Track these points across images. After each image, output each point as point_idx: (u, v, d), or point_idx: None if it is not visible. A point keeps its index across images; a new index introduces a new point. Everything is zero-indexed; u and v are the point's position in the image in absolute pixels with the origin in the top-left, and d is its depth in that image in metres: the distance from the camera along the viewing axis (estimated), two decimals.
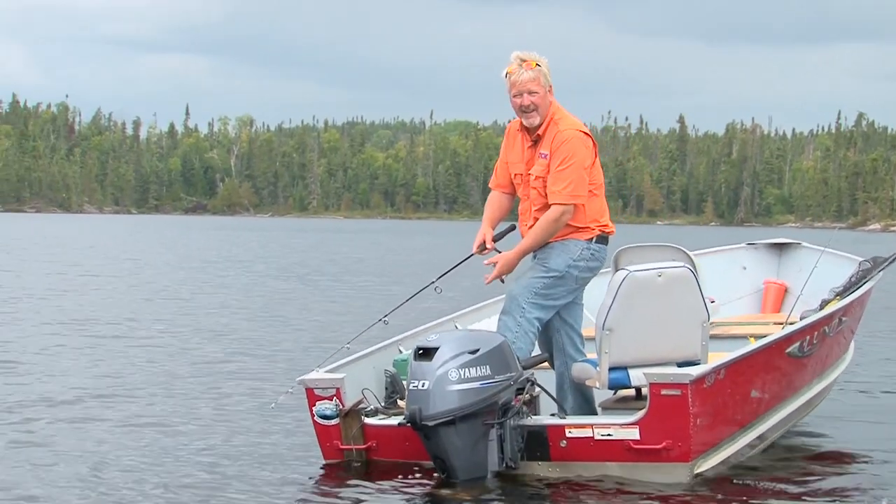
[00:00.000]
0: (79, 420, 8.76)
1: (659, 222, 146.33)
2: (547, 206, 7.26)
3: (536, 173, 7.31)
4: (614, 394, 7.42)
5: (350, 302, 19.82)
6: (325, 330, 15.03)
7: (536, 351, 7.43)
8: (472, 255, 7.56)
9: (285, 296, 21.14)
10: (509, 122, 7.62)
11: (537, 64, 7.27)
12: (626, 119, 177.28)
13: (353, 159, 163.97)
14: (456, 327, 8.25)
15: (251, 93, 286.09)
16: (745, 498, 6.65)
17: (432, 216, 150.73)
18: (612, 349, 7.01)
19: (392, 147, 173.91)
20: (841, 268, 9.02)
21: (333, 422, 7.04)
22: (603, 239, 7.39)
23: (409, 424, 6.58)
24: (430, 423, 6.52)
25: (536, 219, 7.31)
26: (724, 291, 9.48)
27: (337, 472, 6.99)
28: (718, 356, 7.09)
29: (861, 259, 8.94)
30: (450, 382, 6.54)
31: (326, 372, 7.14)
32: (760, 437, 7.47)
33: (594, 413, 7.41)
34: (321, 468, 7.11)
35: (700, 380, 6.69)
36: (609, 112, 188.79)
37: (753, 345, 7.25)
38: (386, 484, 6.73)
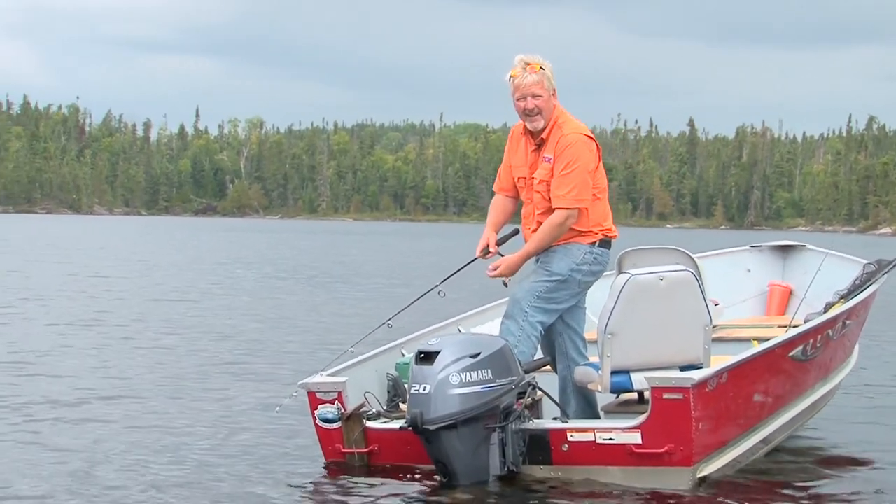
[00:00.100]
0: (83, 420, 8.78)
1: (668, 226, 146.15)
2: (550, 210, 7.26)
3: (540, 177, 7.31)
4: (617, 397, 7.41)
5: (358, 304, 19.83)
6: (332, 332, 15.03)
7: (539, 354, 7.43)
8: (476, 258, 7.56)
9: (293, 298, 21.15)
10: (513, 125, 7.62)
11: (541, 67, 7.27)
12: (636, 122, 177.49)
13: (363, 161, 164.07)
14: (459, 330, 8.25)
15: (261, 95, 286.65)
16: (747, 502, 6.63)
17: (442, 218, 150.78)
18: (615, 353, 7.00)
19: (402, 149, 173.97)
20: (845, 270, 9.01)
21: (335, 425, 7.03)
22: (606, 243, 7.38)
23: (410, 428, 6.58)
24: (432, 427, 6.51)
25: (540, 222, 7.31)
26: (728, 294, 9.47)
27: (339, 475, 6.97)
28: (722, 359, 7.07)
29: (865, 262, 8.92)
30: (451, 386, 6.53)
31: (328, 376, 7.14)
32: (763, 441, 7.44)
33: (597, 417, 7.41)
34: (323, 472, 7.10)
35: (702, 384, 6.67)
36: (619, 115, 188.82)
37: (756, 349, 7.24)
38: (387, 488, 6.73)
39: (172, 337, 14.32)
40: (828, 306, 8.42)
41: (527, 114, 7.27)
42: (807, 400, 7.97)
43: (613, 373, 7.05)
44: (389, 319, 7.58)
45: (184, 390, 10.24)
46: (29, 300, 19.14)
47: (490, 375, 6.63)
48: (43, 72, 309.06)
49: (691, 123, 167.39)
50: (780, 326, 8.39)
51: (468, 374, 6.57)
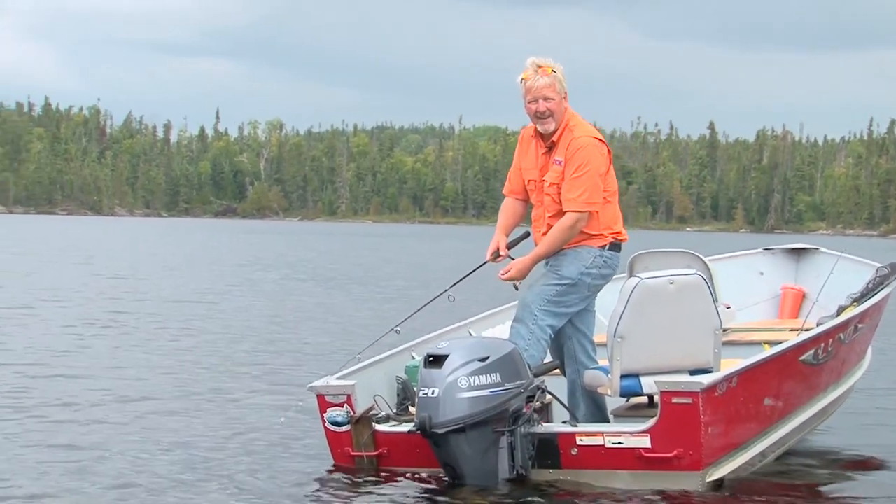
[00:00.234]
0: (95, 420, 8.82)
1: (688, 229, 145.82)
2: (561, 213, 7.25)
3: (551, 180, 7.29)
4: (626, 401, 7.40)
5: (376, 306, 19.84)
6: (349, 334, 15.03)
7: (548, 358, 7.42)
8: (486, 262, 7.55)
9: (311, 299, 21.19)
10: (522, 128, 7.61)
11: (553, 70, 7.25)
12: (656, 125, 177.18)
13: (382, 164, 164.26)
14: (470, 334, 8.25)
15: (281, 97, 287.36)
16: None
17: (461, 221, 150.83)
18: (624, 357, 6.98)
19: (421, 152, 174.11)
20: (858, 273, 8.97)
21: (344, 428, 7.03)
22: (616, 246, 7.37)
23: (418, 432, 6.57)
24: (440, 431, 6.50)
25: (550, 225, 7.29)
26: (741, 297, 9.44)
27: (348, 478, 6.97)
28: (732, 363, 7.04)
29: (878, 265, 8.88)
30: (459, 390, 6.52)
31: (337, 378, 7.14)
32: (774, 445, 7.41)
33: (606, 421, 7.39)
34: (332, 475, 7.09)
35: (711, 388, 6.65)
36: (639, 117, 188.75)
37: (766, 353, 7.21)
38: (396, 491, 6.72)
39: (189, 338, 14.35)
40: (840, 310, 8.39)
41: (538, 116, 7.27)
42: (818, 404, 7.93)
43: (623, 376, 7.03)
44: (397, 325, 7.57)
45: (197, 391, 10.27)
46: (48, 301, 19.22)
47: (499, 379, 6.61)
48: (64, 74, 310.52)
49: (711, 126, 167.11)
50: (791, 330, 8.36)
51: (477, 377, 6.56)
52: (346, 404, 7.02)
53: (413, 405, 7.10)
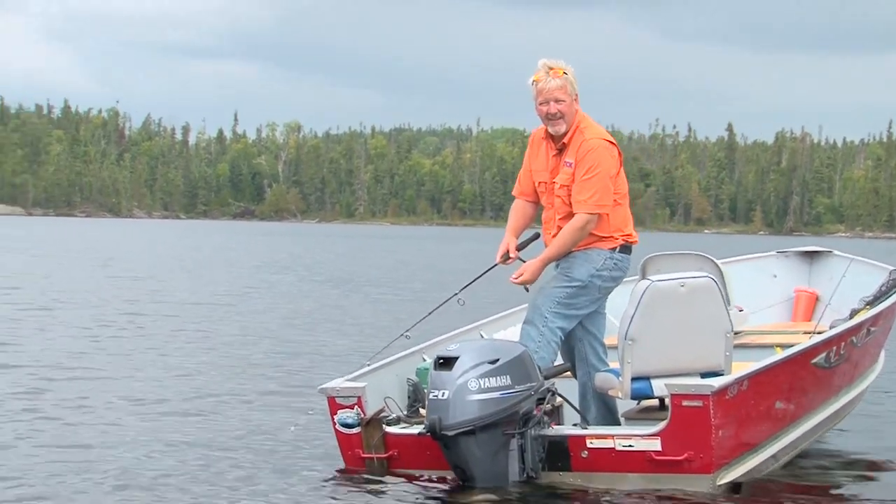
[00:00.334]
0: (108, 422, 8.85)
1: (706, 231, 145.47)
2: (571, 215, 7.24)
3: (561, 181, 7.29)
4: (638, 404, 7.39)
5: (394, 308, 19.85)
6: (367, 337, 15.03)
7: (559, 360, 7.41)
8: (496, 265, 7.54)
9: (328, 301, 21.23)
10: (533, 129, 7.61)
11: (564, 72, 7.25)
12: (674, 127, 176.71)
13: (400, 166, 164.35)
14: (481, 336, 8.25)
15: (299, 99, 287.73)
16: None
17: (479, 223, 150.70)
18: (635, 359, 6.98)
19: (439, 154, 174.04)
20: (871, 276, 8.95)
21: (355, 430, 7.03)
22: (626, 248, 7.36)
23: (428, 434, 6.58)
24: (450, 433, 6.50)
25: (560, 227, 7.29)
26: (753, 300, 9.42)
27: (358, 480, 6.98)
28: (744, 366, 7.03)
29: (891, 268, 8.86)
30: (469, 392, 6.52)
31: (348, 380, 7.15)
32: (785, 449, 7.39)
33: (617, 423, 7.38)
34: (342, 477, 7.11)
35: (722, 391, 6.64)
36: (657, 120, 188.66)
37: (777, 356, 7.19)
38: (406, 493, 6.72)
39: (205, 340, 14.39)
40: (853, 313, 8.37)
41: (549, 118, 7.27)
42: (830, 407, 7.91)
43: (634, 379, 7.03)
44: (407, 331, 7.56)
45: (211, 392, 10.30)
46: (65, 302, 19.31)
47: (509, 381, 6.62)
48: (83, 76, 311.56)
49: (730, 128, 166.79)
50: (804, 333, 8.33)
51: (487, 379, 6.56)
52: (356, 406, 7.02)
53: (424, 407, 7.10)
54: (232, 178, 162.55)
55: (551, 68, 7.24)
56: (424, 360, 7.70)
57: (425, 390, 7.04)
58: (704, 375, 6.93)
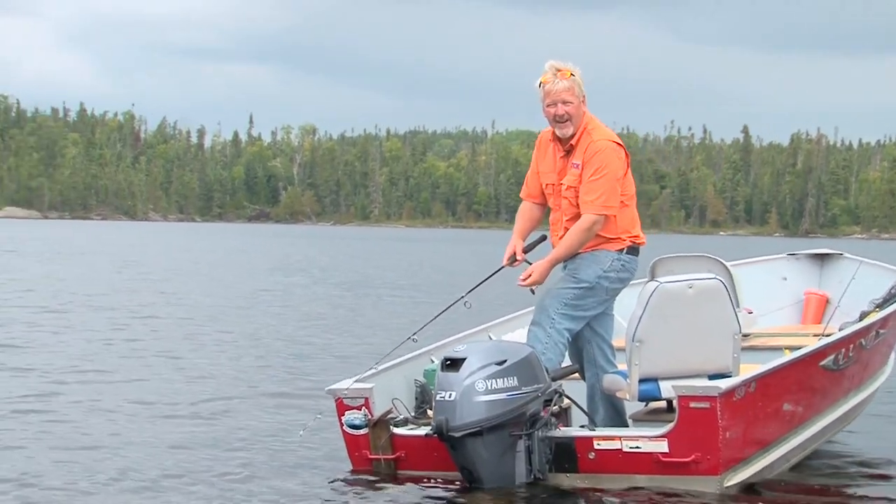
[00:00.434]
0: (118, 423, 8.90)
1: (722, 233, 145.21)
2: (578, 216, 7.23)
3: (568, 183, 7.29)
4: (646, 406, 7.38)
5: (407, 311, 19.87)
6: (381, 339, 15.04)
7: (567, 362, 7.41)
8: (503, 267, 7.53)
9: (342, 302, 21.27)
10: (541, 131, 7.61)
11: (571, 74, 7.24)
12: (690, 129, 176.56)
13: (415, 168, 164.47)
14: (490, 338, 8.25)
15: (314, 102, 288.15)
16: None
17: (493, 225, 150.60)
18: (643, 361, 6.96)
19: (454, 156, 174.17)
20: (882, 279, 8.92)
21: (362, 431, 7.04)
22: (634, 250, 7.35)
23: (435, 435, 6.58)
24: (457, 434, 6.51)
25: (567, 229, 7.28)
26: (763, 302, 9.40)
27: (365, 481, 6.99)
28: (752, 368, 7.02)
29: None
30: (476, 393, 6.53)
31: (355, 382, 7.16)
32: (793, 451, 7.36)
33: (625, 425, 7.37)
34: (349, 478, 7.12)
35: (729, 392, 6.63)
36: (672, 122, 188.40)
37: (785, 357, 7.18)
38: (413, 494, 6.73)
39: (216, 342, 14.43)
40: (863, 315, 8.34)
41: (557, 120, 7.26)
42: (839, 409, 7.89)
43: (641, 381, 7.01)
44: (414, 334, 7.56)
45: (222, 394, 10.34)
46: (80, 305, 19.38)
47: (516, 383, 6.62)
48: (99, 79, 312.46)
49: (745, 130, 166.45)
50: (814, 335, 8.31)
51: (494, 381, 6.57)
52: (363, 407, 7.03)
53: (431, 409, 7.11)
54: (247, 180, 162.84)
55: (559, 70, 7.24)
56: (432, 361, 7.70)
57: (433, 392, 7.06)
58: (712, 377, 6.91)
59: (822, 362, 7.42)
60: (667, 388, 6.94)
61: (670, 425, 6.68)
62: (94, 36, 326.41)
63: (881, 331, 8.12)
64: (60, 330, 15.42)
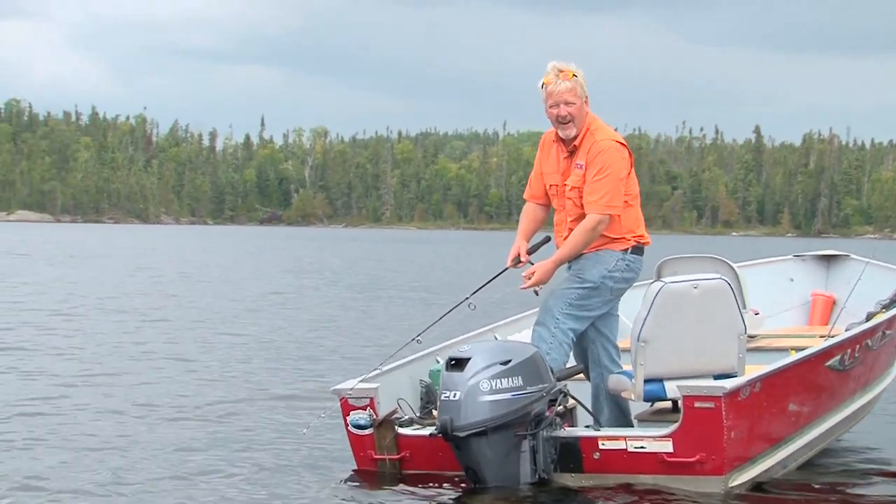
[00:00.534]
0: (125, 423, 8.93)
1: (734, 233, 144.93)
2: (582, 217, 7.23)
3: (572, 184, 7.29)
4: (651, 406, 7.38)
5: (417, 313, 19.87)
6: (391, 340, 15.06)
7: (571, 362, 7.41)
8: (507, 268, 7.54)
9: (352, 305, 21.27)
10: (543, 132, 7.62)
11: (574, 74, 7.25)
12: (702, 129, 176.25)
13: (427, 170, 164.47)
14: (496, 338, 8.26)
15: (325, 104, 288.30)
16: None
17: (505, 227, 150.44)
18: (648, 361, 6.96)
19: (465, 158, 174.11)
20: (889, 280, 8.92)
21: (367, 431, 7.06)
22: (638, 250, 7.35)
23: (440, 435, 6.60)
24: (461, 434, 6.52)
25: (571, 230, 7.28)
26: (770, 304, 9.38)
27: (370, 481, 7.01)
28: (758, 369, 7.01)
29: None
30: (481, 393, 6.54)
31: (360, 382, 7.17)
32: (799, 451, 7.36)
33: (630, 425, 7.37)
34: (354, 478, 7.14)
35: (734, 392, 6.63)
36: (684, 122, 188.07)
37: (791, 358, 7.18)
38: (418, 494, 6.74)
39: (226, 343, 14.46)
40: (870, 316, 8.33)
41: (559, 121, 7.27)
42: (845, 410, 7.88)
43: (647, 381, 7.01)
44: (419, 335, 7.57)
45: (231, 395, 10.38)
46: (91, 308, 19.44)
47: (521, 382, 6.63)
48: (111, 83, 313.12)
49: (757, 130, 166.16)
50: (820, 337, 8.30)
51: (498, 380, 6.58)
52: (368, 407, 7.05)
53: (436, 409, 7.12)
54: (259, 183, 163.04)
55: (561, 71, 7.24)
56: (438, 362, 7.71)
57: (438, 392, 7.07)
58: (718, 377, 6.91)
59: (828, 363, 7.41)
60: (672, 389, 6.93)
61: (675, 425, 6.68)
62: (105, 39, 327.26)
63: (887, 331, 8.11)
64: (71, 333, 15.47)
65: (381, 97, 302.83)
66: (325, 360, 13.14)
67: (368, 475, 7.09)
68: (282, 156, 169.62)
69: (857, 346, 7.68)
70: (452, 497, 6.72)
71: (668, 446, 6.68)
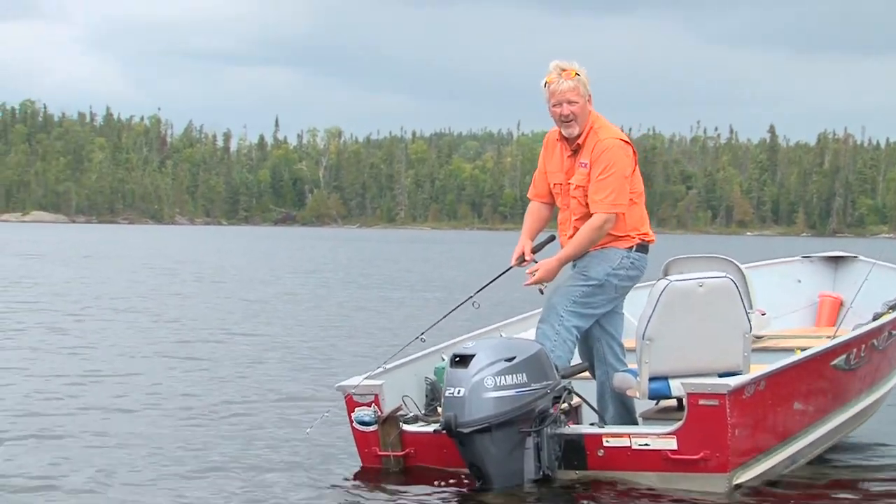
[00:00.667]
0: (131, 421, 8.97)
1: (749, 233, 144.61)
2: (587, 216, 7.25)
3: (577, 182, 7.31)
4: (656, 404, 7.39)
5: (427, 312, 19.90)
6: (401, 339, 15.07)
7: (576, 360, 7.43)
8: (512, 267, 7.55)
9: (365, 305, 21.29)
10: (547, 131, 7.64)
11: (576, 73, 7.25)
12: (716, 129, 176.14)
13: (441, 170, 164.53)
14: (501, 336, 8.27)
15: (340, 104, 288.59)
16: None
17: (520, 227, 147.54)
18: (653, 359, 6.97)
19: (479, 158, 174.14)
20: (895, 280, 8.90)
21: (372, 428, 7.08)
22: (643, 248, 7.36)
23: (444, 431, 6.62)
24: (466, 431, 6.54)
25: (576, 228, 7.30)
26: (777, 304, 9.37)
27: (375, 478, 7.03)
28: (763, 368, 7.02)
29: None
30: (485, 390, 6.56)
31: (365, 378, 7.20)
32: (804, 450, 7.36)
33: (635, 423, 7.37)
34: (359, 474, 7.16)
35: (739, 390, 6.64)
36: (698, 122, 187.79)
37: (796, 356, 7.18)
38: (422, 491, 6.76)
39: (237, 341, 14.51)
40: (876, 317, 8.31)
41: (562, 120, 7.28)
42: (851, 409, 7.86)
43: (651, 379, 7.02)
44: (423, 333, 7.59)
45: (236, 391, 10.42)
46: (105, 308, 19.51)
47: (525, 379, 6.64)
48: (125, 84, 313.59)
49: (772, 130, 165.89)
50: (826, 337, 8.30)
51: (503, 377, 6.59)
52: (373, 404, 7.07)
53: (441, 406, 7.14)
54: (273, 183, 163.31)
55: (563, 70, 7.25)
56: (443, 359, 7.71)
57: (442, 388, 7.09)
58: (723, 376, 6.92)
59: (833, 362, 7.41)
60: (677, 387, 6.94)
61: (679, 423, 6.69)
62: (120, 40, 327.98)
63: (894, 332, 8.10)
64: (85, 333, 15.52)
65: (396, 97, 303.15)
66: (339, 359, 13.17)
67: (373, 471, 7.11)
68: (296, 156, 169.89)
69: (863, 346, 7.67)
70: (456, 494, 6.74)
71: (672, 444, 6.69)
